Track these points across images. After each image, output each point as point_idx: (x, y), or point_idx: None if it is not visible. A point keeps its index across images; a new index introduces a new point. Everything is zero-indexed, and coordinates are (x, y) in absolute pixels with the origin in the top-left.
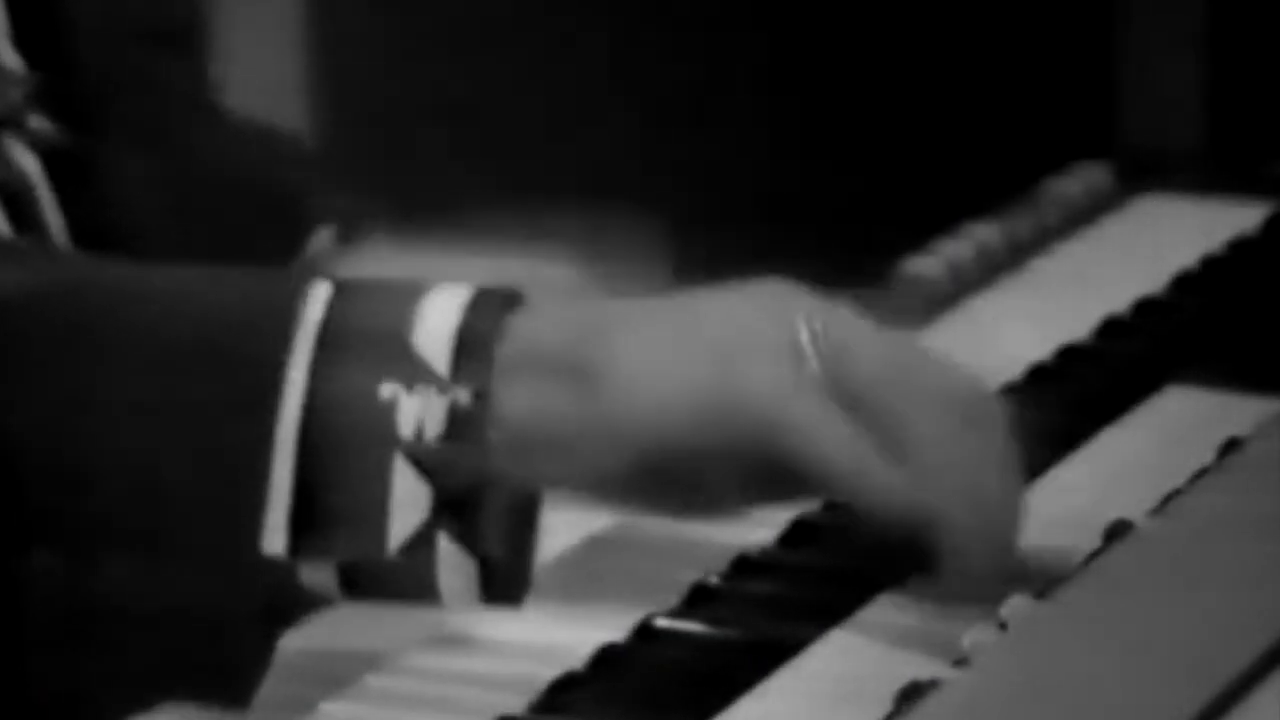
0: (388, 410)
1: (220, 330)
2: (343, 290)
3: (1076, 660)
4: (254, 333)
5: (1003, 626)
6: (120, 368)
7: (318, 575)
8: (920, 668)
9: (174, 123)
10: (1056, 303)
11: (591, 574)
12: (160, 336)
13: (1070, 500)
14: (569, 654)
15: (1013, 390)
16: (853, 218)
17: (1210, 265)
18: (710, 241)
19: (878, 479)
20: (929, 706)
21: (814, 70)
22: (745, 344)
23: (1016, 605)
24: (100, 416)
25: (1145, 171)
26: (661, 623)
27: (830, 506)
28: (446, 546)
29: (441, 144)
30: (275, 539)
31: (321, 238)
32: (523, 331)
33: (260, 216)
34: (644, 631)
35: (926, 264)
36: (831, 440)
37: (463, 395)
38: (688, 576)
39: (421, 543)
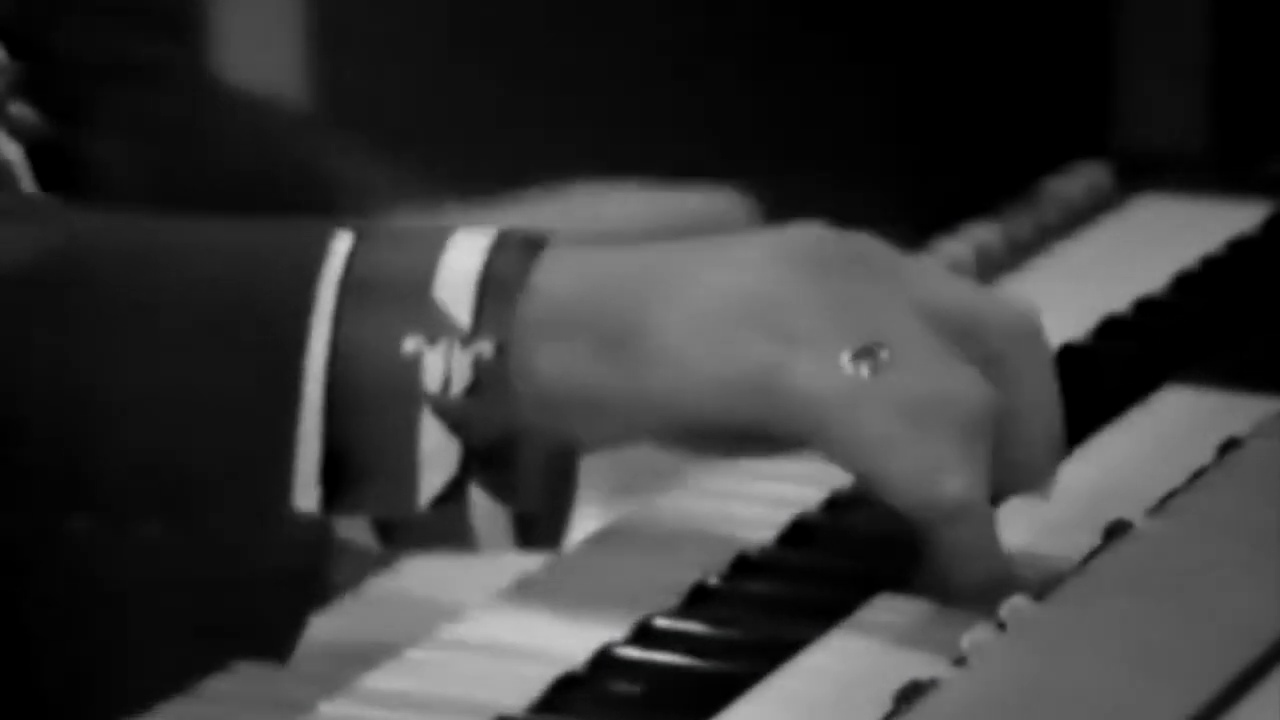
0: (412, 365)
1: (240, 284)
2: (363, 239)
3: (1076, 660)
4: (275, 286)
5: (1001, 626)
6: (138, 326)
7: (354, 528)
8: (919, 668)
9: (164, 107)
10: (1056, 302)
11: (590, 574)
12: (178, 293)
13: (1069, 500)
14: (568, 654)
15: None
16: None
17: (1210, 265)
18: None
19: (933, 489)
20: (928, 706)
21: (814, 70)
22: (795, 325)
23: (1015, 605)
24: (119, 379)
25: (1145, 171)
26: (661, 623)
27: (831, 506)
28: (479, 498)
29: (439, 138)
30: (307, 495)
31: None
32: (550, 281)
33: (269, 201)
34: (643, 632)
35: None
36: (880, 447)
37: (486, 348)
38: (687, 577)
39: (453, 496)
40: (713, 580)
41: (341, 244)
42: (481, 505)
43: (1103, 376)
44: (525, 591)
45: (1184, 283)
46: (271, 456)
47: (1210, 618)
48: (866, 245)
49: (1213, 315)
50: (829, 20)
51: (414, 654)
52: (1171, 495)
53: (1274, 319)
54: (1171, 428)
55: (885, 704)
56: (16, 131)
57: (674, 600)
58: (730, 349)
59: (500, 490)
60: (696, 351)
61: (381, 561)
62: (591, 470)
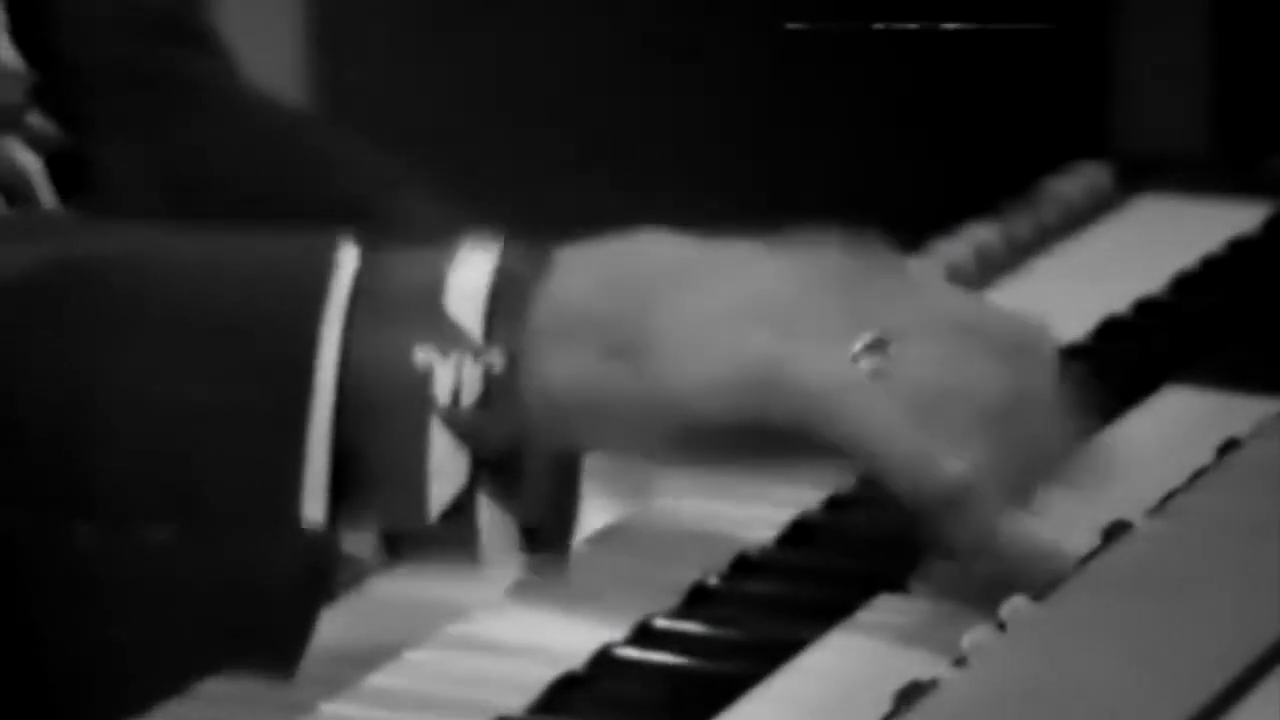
0: (423, 377)
1: (249, 296)
2: (371, 252)
3: (1075, 661)
4: (284, 297)
5: (1001, 627)
6: (148, 337)
7: (360, 540)
8: (919, 668)
9: (181, 115)
10: (1056, 303)
11: (590, 574)
12: (187, 304)
13: (1069, 500)
14: (568, 654)
15: None
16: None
17: (1210, 265)
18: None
19: (935, 472)
20: (928, 706)
21: (813, 71)
22: (799, 320)
23: (1015, 606)
24: (130, 388)
25: (1144, 171)
26: (661, 623)
27: (831, 506)
28: (488, 509)
29: (439, 138)
30: (314, 506)
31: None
32: (555, 290)
33: (286, 209)
34: (643, 632)
35: (926, 264)
36: (883, 431)
37: (497, 359)
38: (687, 577)
39: (462, 508)
40: (713, 580)
41: (350, 256)
42: (489, 516)
43: (1103, 377)
44: (525, 592)
45: (1184, 283)
46: (280, 467)
47: (1210, 618)
48: (875, 260)
49: (1213, 316)
50: (829, 21)
51: (415, 654)
52: (1171, 495)
53: (1274, 319)
54: (1171, 428)
55: (885, 704)
56: (34, 141)
57: (674, 600)
58: (733, 346)
59: (508, 501)
60: (701, 351)
61: (383, 562)
62: (593, 470)
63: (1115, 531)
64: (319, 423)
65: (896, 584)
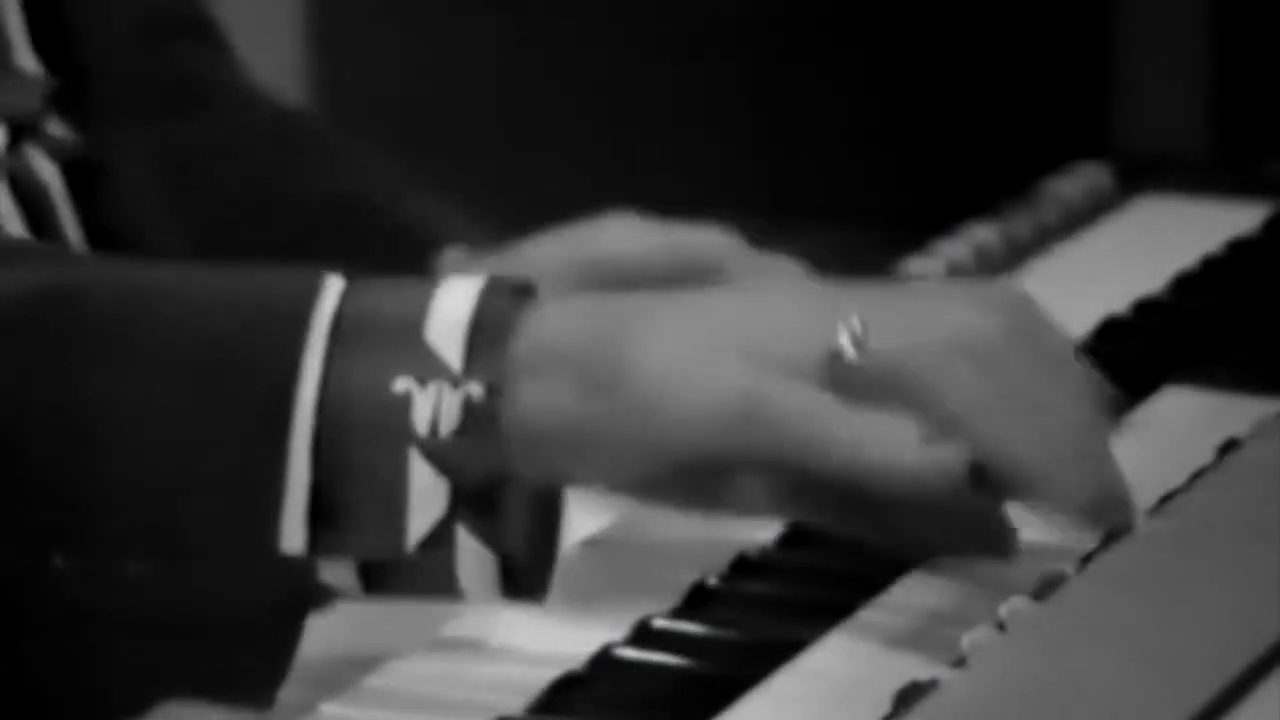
0: (402, 406)
1: (231, 327)
2: (354, 283)
3: (1075, 661)
4: (266, 329)
5: (1001, 627)
6: (130, 367)
7: (338, 573)
8: (919, 668)
9: (189, 112)
10: (1056, 303)
11: (590, 575)
12: (170, 335)
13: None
14: (568, 655)
15: None
16: (852, 218)
17: (1210, 266)
18: None
19: (913, 462)
20: (928, 707)
21: (813, 71)
22: (771, 355)
23: (1015, 606)
24: (111, 417)
25: (1144, 172)
26: (660, 624)
27: None
28: (466, 542)
29: (439, 138)
30: (293, 537)
31: (451, 257)
32: (537, 325)
33: (299, 214)
34: (643, 632)
35: (926, 264)
36: (852, 444)
37: (476, 389)
38: (687, 577)
39: (440, 539)
40: (712, 581)
41: (333, 288)
42: (468, 548)
43: (1102, 377)
44: None
45: (1184, 283)
46: (260, 496)
47: (1210, 618)
48: (844, 285)
49: (1213, 316)
50: (829, 21)
51: (415, 655)
52: (1171, 496)
53: (1274, 320)
54: (1171, 428)
55: (885, 705)
56: (53, 150)
57: (674, 601)
58: (706, 380)
59: (488, 534)
60: (676, 386)
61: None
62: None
63: (1115, 532)
64: (298, 452)
65: (895, 585)
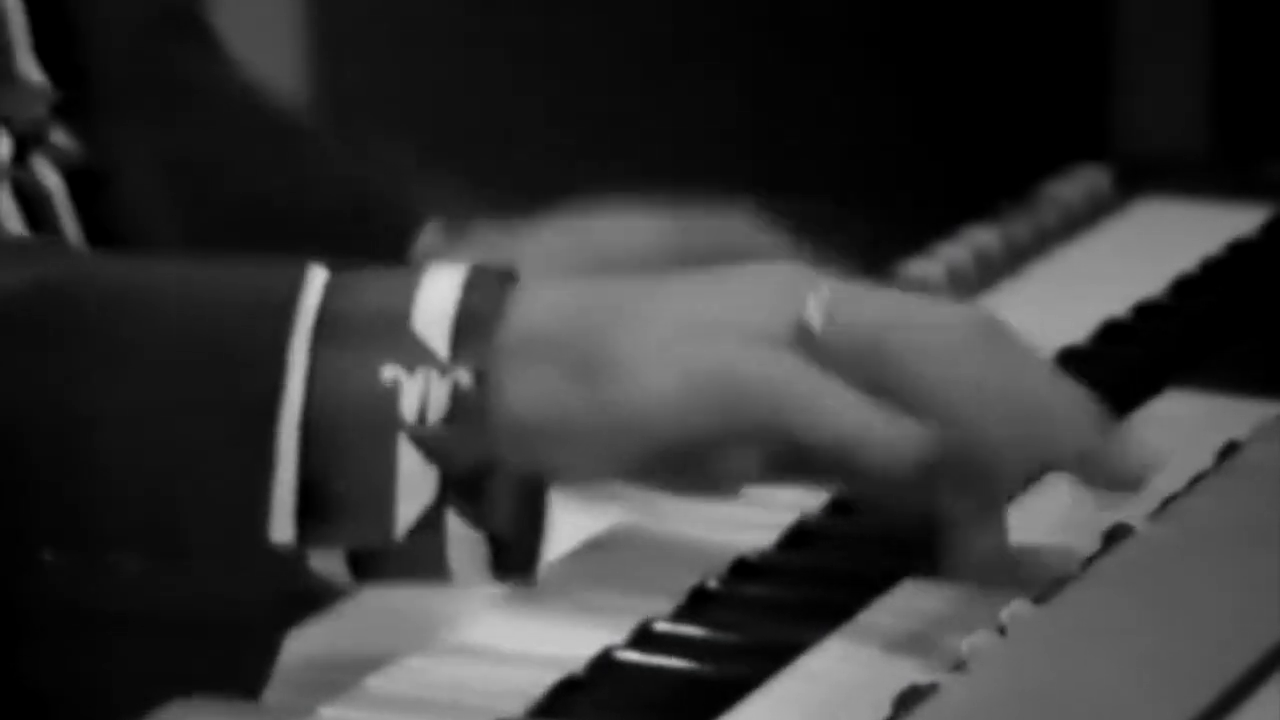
0: (390, 394)
1: (218, 320)
2: (339, 274)
3: (1075, 665)
4: (252, 320)
5: (1001, 631)
6: (118, 362)
7: (327, 561)
8: (919, 672)
9: (187, 113)
10: (1055, 306)
11: (590, 578)
12: (158, 330)
13: (1069, 504)
14: (568, 658)
15: None
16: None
17: (1210, 268)
18: None
19: (889, 432)
20: (928, 711)
21: (813, 74)
22: (747, 329)
23: (1015, 610)
24: (101, 413)
25: (1144, 174)
26: (660, 627)
27: (831, 510)
28: (455, 527)
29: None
30: (283, 528)
31: (431, 232)
32: (521, 314)
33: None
34: (643, 635)
35: (925, 267)
36: (836, 410)
37: (464, 377)
38: (687, 580)
39: (430, 525)
40: (712, 584)
41: (317, 279)
42: (458, 534)
43: (1103, 381)
44: (524, 595)
45: (1184, 286)
46: (249, 487)
47: (1210, 622)
48: (830, 278)
49: (1213, 319)
50: (828, 23)
51: (414, 659)
52: (1172, 499)
53: (1275, 322)
54: (1172, 432)
55: (885, 708)
56: (57, 159)
57: (674, 604)
58: (686, 362)
59: (477, 519)
60: (654, 370)
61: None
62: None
63: (1116, 535)
64: (286, 442)
65: (896, 588)
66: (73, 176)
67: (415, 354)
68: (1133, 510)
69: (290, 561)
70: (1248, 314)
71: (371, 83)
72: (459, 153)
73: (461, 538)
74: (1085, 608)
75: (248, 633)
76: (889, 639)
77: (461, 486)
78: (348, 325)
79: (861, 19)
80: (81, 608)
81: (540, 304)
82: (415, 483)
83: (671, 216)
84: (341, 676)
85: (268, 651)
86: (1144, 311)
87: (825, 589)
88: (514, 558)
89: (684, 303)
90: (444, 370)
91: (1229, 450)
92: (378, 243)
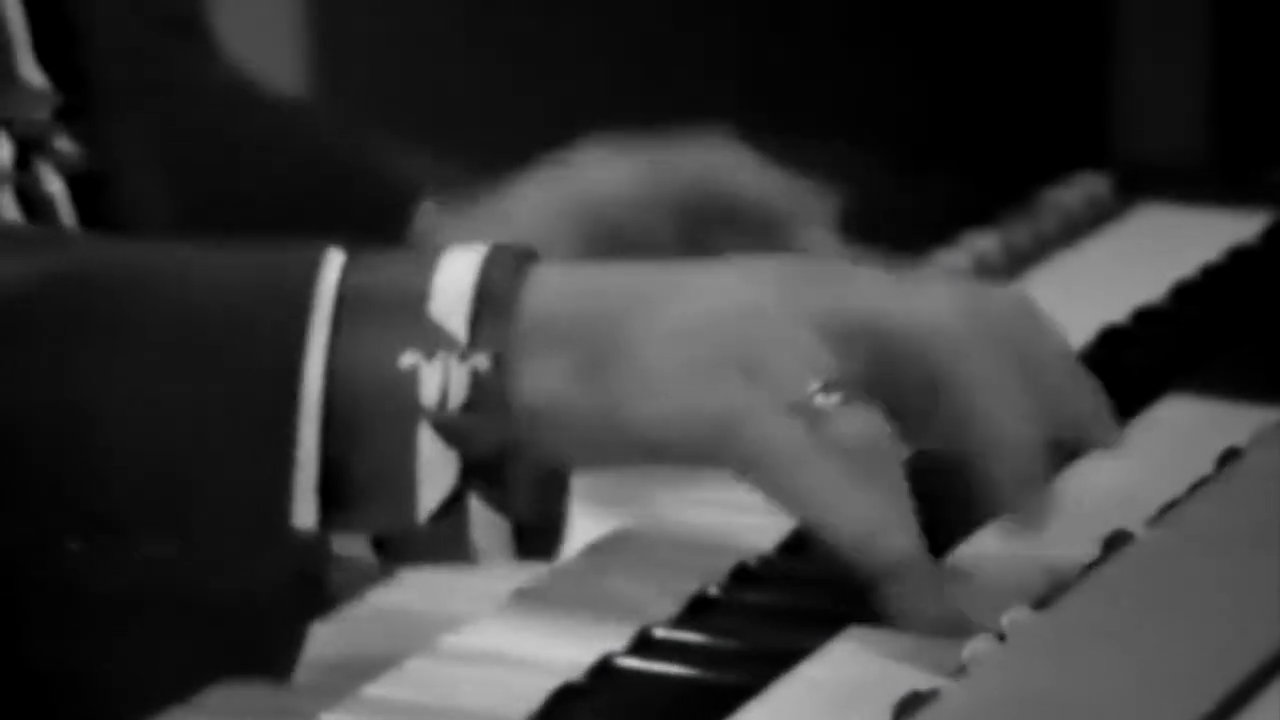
0: (409, 380)
1: (235, 305)
2: (355, 259)
3: (1076, 671)
4: (270, 306)
5: (1002, 637)
6: (137, 350)
7: (351, 544)
8: (920, 678)
9: (196, 125)
10: (1055, 312)
11: (590, 584)
12: (176, 316)
13: (1069, 510)
14: (568, 665)
15: None
16: (850, 227)
17: (1210, 275)
18: None
19: (857, 527)
20: (928, 717)
21: (810, 79)
22: (770, 376)
23: (1016, 616)
24: (120, 400)
25: (1144, 181)
26: (660, 633)
27: None
28: (478, 510)
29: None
30: (305, 513)
31: (426, 210)
32: (538, 298)
33: (307, 208)
34: (643, 642)
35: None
36: (810, 489)
37: (483, 361)
38: (687, 586)
39: (452, 510)
40: (713, 590)
41: (334, 264)
42: (480, 517)
43: (1103, 387)
44: (525, 602)
45: (1184, 292)
46: (270, 474)
47: (1211, 627)
48: (839, 268)
49: (1213, 325)
50: (828, 29)
51: (414, 664)
52: (1172, 505)
53: (1274, 329)
54: (1171, 438)
55: (885, 715)
56: (60, 164)
57: (674, 610)
58: (694, 389)
59: (499, 502)
60: (663, 386)
61: (381, 572)
62: (590, 479)
63: (1116, 542)
64: (307, 428)
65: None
66: (75, 181)
67: (434, 338)
68: (1133, 517)
69: (312, 547)
70: (1247, 320)
71: (371, 83)
72: (459, 152)
73: (484, 520)
74: (1085, 614)
75: (271, 619)
76: (890, 645)
77: (482, 470)
78: (367, 307)
79: (861, 23)
80: (102, 593)
81: (555, 287)
82: (436, 468)
83: (651, 155)
84: (342, 682)
85: (293, 640)
86: (1144, 317)
87: (826, 595)
88: (536, 539)
89: (706, 322)
90: (463, 355)
91: (1229, 456)
92: (380, 227)
